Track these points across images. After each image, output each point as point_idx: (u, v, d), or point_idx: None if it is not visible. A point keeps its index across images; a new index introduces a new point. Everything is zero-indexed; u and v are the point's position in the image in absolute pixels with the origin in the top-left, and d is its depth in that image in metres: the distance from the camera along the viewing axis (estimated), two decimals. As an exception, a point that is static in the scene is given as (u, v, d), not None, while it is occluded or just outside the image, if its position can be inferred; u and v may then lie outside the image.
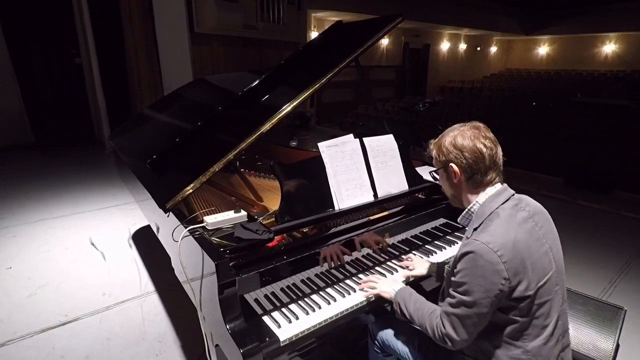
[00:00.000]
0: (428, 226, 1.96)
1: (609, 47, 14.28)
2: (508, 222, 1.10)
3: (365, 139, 1.85)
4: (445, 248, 1.89)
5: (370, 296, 1.46)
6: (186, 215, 1.62)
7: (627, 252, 3.37)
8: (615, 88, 11.67)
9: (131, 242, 3.42)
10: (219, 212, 1.58)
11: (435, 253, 1.85)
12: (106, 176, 5.11)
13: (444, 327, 1.13)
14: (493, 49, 17.04)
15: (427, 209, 1.90)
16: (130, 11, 6.38)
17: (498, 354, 1.12)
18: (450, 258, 1.68)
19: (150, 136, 2.79)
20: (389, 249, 1.77)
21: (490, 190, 1.18)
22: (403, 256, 1.78)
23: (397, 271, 1.67)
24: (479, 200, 1.19)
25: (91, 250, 3.27)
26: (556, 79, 14.22)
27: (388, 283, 1.45)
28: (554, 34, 15.25)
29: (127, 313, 2.49)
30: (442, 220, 2.03)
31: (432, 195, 2.00)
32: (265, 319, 1.34)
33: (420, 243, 1.89)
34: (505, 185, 1.21)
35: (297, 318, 1.34)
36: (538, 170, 5.61)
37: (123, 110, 6.85)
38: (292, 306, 1.41)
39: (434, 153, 1.26)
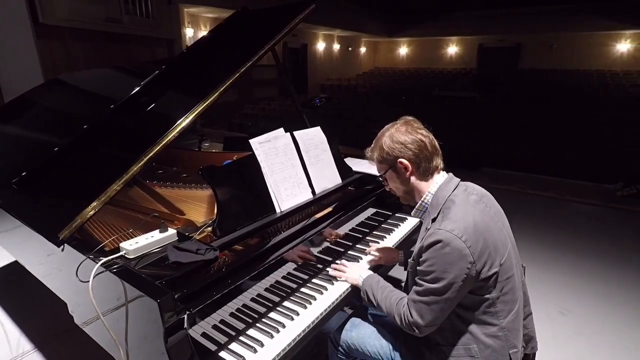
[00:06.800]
0: (361, 217, 1.93)
1: (452, 49, 16.90)
2: (464, 207, 1.12)
3: (296, 133, 1.72)
4: (385, 237, 1.87)
5: (339, 279, 1.44)
6: (90, 245, 1.24)
7: (503, 218, 3.96)
8: (462, 83, 13.86)
9: (-15, 291, 2.60)
10: (136, 235, 1.26)
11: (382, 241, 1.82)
12: None
13: (411, 316, 1.12)
14: (363, 49, 18.46)
15: (364, 201, 1.86)
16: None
17: (475, 333, 1.12)
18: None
19: (1, 152, 2.14)
20: (334, 246, 1.67)
21: (439, 179, 1.21)
22: (350, 251, 1.70)
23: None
24: (431, 190, 1.21)
25: None
26: (416, 76, 16.19)
27: (356, 269, 1.44)
28: (411, 36, 17.34)
29: (-6, 387, 1.87)
30: (372, 210, 2.02)
31: (364, 186, 1.98)
32: (224, 355, 1.10)
33: (360, 236, 1.85)
34: (451, 174, 1.25)
35: (262, 345, 1.14)
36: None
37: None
38: (252, 332, 1.19)
39: (376, 157, 1.25)
